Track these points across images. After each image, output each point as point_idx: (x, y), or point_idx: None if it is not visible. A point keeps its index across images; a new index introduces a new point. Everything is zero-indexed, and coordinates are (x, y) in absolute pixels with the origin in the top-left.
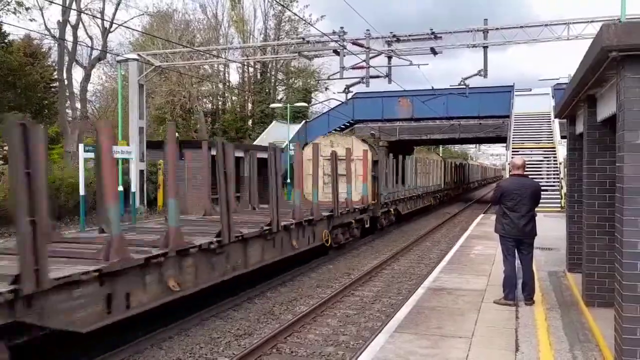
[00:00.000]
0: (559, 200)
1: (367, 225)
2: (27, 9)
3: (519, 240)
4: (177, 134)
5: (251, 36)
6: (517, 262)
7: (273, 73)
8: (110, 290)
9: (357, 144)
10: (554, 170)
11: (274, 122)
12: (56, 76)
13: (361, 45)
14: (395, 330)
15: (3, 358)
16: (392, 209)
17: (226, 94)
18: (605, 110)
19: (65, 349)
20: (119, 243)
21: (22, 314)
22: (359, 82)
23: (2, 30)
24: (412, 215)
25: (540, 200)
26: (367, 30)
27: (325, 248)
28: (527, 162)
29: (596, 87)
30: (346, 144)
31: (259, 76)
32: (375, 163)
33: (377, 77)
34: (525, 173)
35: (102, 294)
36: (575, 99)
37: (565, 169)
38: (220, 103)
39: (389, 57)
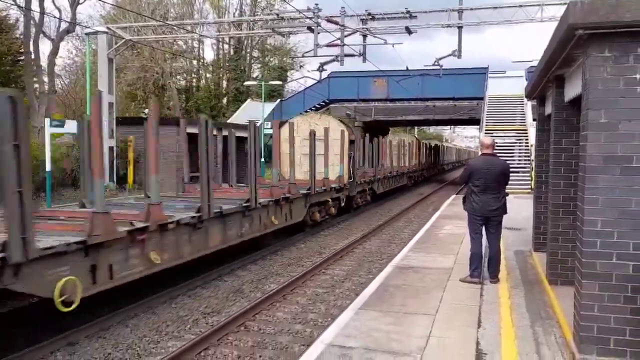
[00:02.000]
0: (529, 182)
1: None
2: None
3: (486, 218)
4: (147, 110)
5: (226, 12)
6: (484, 240)
7: (248, 50)
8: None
9: (335, 124)
10: (525, 152)
11: (248, 100)
12: (23, 49)
13: (336, 23)
14: (360, 308)
15: None
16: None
17: (200, 71)
18: (572, 90)
19: (29, 329)
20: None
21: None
22: (333, 60)
23: None
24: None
25: (511, 182)
26: (342, 7)
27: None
28: (500, 144)
29: (564, 66)
30: (324, 124)
31: (232, 53)
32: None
33: (352, 55)
34: (494, 152)
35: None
36: (544, 79)
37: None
38: (194, 80)
39: (364, 36)
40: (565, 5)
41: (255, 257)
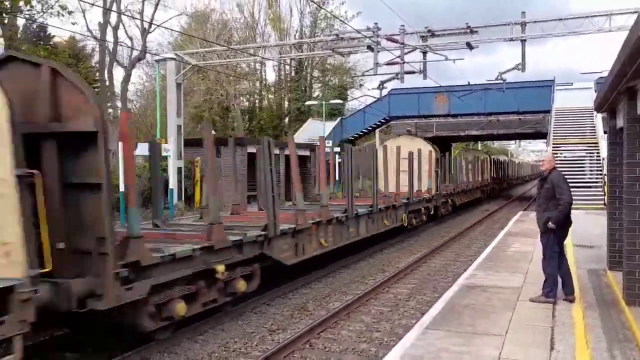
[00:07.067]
0: (602, 197)
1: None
2: (69, 12)
3: (566, 236)
4: (213, 131)
5: (287, 34)
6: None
7: (309, 71)
8: None
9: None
10: (596, 166)
11: (310, 119)
12: (98, 76)
13: (395, 41)
14: (427, 327)
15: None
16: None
17: (263, 92)
18: None
19: (103, 343)
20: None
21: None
22: (393, 78)
23: (47, 32)
24: None
25: (582, 197)
26: (402, 25)
27: None
28: (569, 158)
29: (635, 78)
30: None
31: (293, 74)
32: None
33: (412, 72)
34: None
35: None
36: (615, 91)
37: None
38: (257, 101)
39: (424, 53)
40: (635, 14)
41: (318, 275)
